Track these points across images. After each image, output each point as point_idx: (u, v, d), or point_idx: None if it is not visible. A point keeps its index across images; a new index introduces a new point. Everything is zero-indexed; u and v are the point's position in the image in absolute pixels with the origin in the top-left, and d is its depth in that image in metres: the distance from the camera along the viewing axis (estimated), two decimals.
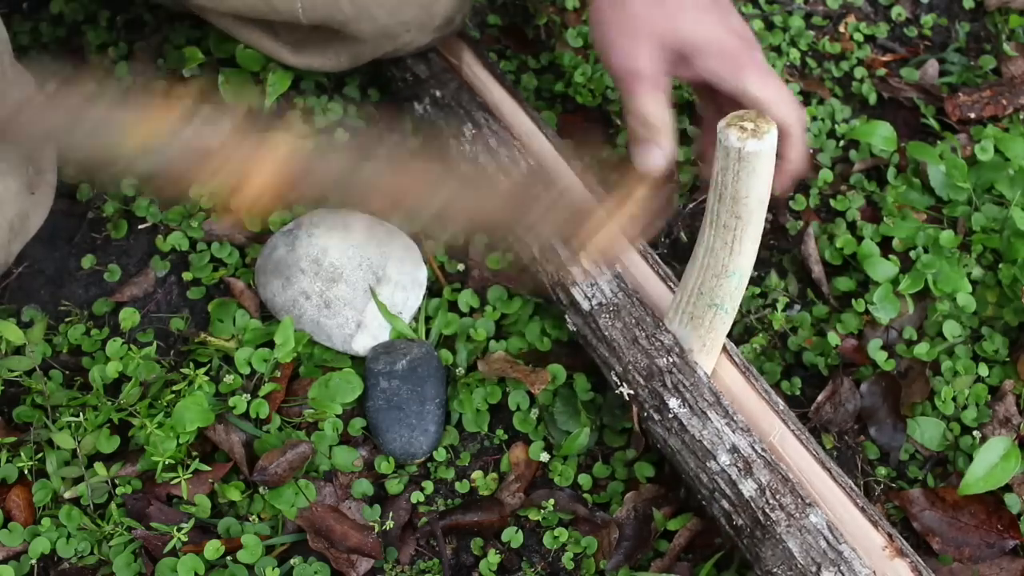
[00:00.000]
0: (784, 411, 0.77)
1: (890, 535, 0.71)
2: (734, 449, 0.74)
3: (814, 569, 0.69)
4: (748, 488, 0.73)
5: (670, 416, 0.77)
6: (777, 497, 0.72)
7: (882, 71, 1.09)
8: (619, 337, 0.80)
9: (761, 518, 0.72)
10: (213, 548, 0.78)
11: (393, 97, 1.03)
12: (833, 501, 0.73)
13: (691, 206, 0.99)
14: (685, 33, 0.80)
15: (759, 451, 0.73)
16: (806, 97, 1.07)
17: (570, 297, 0.83)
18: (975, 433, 0.86)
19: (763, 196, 0.65)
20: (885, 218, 0.97)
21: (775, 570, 0.71)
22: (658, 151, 0.80)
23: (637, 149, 0.81)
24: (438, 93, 0.96)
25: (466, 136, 0.92)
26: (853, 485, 0.74)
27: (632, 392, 0.79)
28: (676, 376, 0.77)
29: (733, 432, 0.74)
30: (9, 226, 0.84)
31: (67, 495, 0.82)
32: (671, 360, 0.77)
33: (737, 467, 0.73)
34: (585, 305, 0.82)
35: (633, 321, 0.80)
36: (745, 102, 0.78)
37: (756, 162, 0.63)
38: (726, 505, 0.74)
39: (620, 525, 0.82)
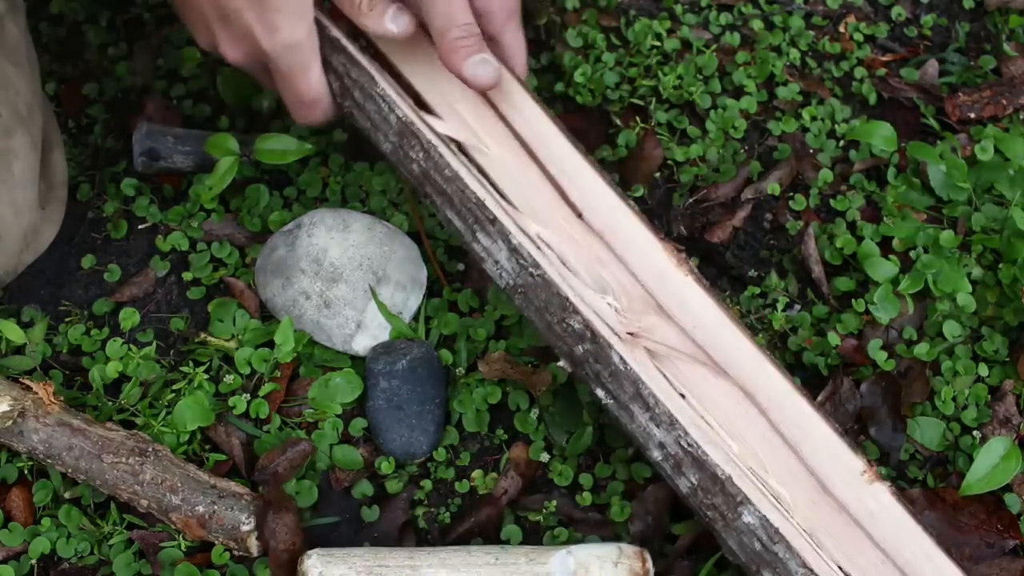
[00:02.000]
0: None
1: (869, 461, 0.70)
2: (662, 446, 0.72)
3: (754, 568, 0.69)
4: (683, 485, 0.72)
5: (603, 405, 0.75)
6: (709, 497, 0.70)
7: (882, 71, 1.09)
8: (537, 321, 0.76)
9: (701, 516, 0.71)
10: (218, 552, 0.79)
11: None
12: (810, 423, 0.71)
13: (690, 201, 0.99)
14: None
15: (685, 447, 0.70)
16: (806, 97, 1.07)
17: (489, 277, 0.79)
18: (975, 433, 0.86)
19: None
20: (885, 218, 0.97)
21: (731, 559, 0.71)
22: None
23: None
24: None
25: (336, 93, 0.83)
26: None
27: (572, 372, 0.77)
28: (594, 366, 0.74)
29: (658, 428, 0.71)
30: (23, 235, 0.85)
31: (67, 495, 0.82)
32: (586, 348, 0.74)
33: (668, 463, 0.72)
34: (501, 284, 0.77)
35: (542, 304, 0.75)
36: None
37: None
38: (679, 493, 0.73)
39: (623, 527, 0.82)
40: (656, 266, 0.76)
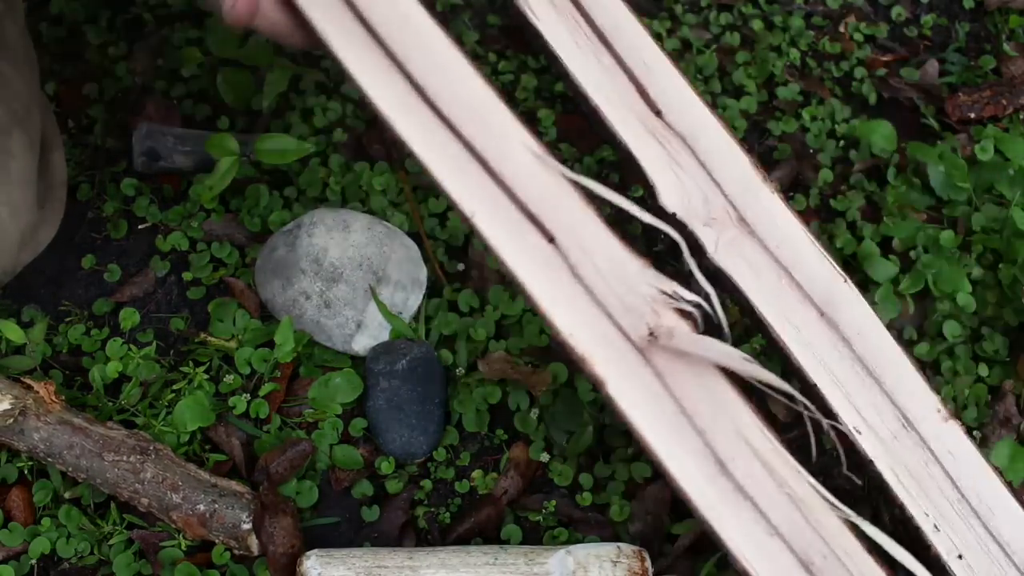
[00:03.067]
0: None
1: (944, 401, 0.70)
2: None
3: None
4: None
5: None
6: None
7: (882, 71, 1.09)
8: None
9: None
10: (218, 552, 0.79)
11: None
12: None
13: None
14: None
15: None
16: (806, 97, 1.07)
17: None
18: (975, 433, 0.86)
19: None
20: (885, 218, 0.97)
21: None
22: None
23: None
24: None
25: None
26: None
27: None
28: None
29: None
30: (20, 235, 0.85)
31: (67, 495, 0.82)
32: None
33: None
34: None
35: None
36: None
37: None
38: None
39: (623, 527, 0.82)
40: (742, 177, 0.69)
